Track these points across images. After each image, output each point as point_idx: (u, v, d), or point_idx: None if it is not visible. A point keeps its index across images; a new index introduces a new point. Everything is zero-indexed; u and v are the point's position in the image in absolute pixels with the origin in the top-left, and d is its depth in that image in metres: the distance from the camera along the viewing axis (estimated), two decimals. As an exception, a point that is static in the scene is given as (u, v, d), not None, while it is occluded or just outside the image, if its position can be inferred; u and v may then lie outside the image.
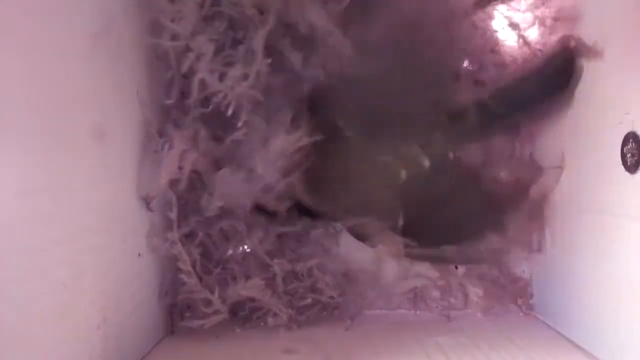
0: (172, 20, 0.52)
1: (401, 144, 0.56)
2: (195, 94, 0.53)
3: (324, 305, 0.59)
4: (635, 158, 0.42)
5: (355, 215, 0.56)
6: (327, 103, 0.55)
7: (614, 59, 0.46)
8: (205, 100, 0.54)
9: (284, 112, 0.53)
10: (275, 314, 0.57)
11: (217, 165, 0.54)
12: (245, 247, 0.58)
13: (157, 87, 0.54)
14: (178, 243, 0.54)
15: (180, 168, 0.52)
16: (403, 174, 0.56)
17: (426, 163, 0.55)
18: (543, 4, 0.56)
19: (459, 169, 0.58)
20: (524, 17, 0.56)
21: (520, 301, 0.61)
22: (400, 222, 0.55)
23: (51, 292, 0.36)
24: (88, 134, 0.41)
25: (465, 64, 0.59)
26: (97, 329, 0.42)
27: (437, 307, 0.61)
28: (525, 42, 0.56)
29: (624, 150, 0.43)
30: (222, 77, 0.52)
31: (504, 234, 0.55)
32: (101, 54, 0.43)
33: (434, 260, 0.59)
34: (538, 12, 0.56)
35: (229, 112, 0.52)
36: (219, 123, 0.55)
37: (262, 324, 0.57)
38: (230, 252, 0.58)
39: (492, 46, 0.58)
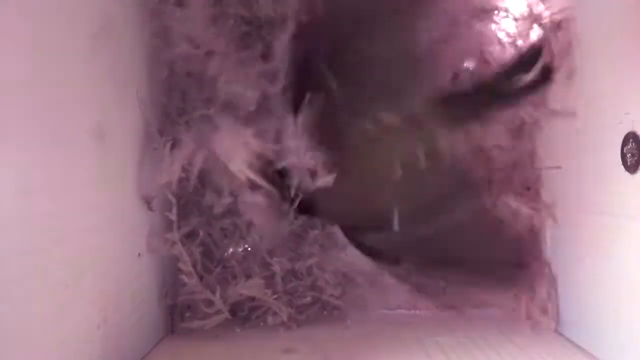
0: (191, 26, 0.52)
1: (383, 111, 0.56)
2: (222, 95, 0.54)
3: (323, 304, 0.59)
4: (635, 158, 0.42)
5: (349, 214, 0.56)
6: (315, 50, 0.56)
7: (613, 59, 0.46)
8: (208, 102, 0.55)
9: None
10: (275, 313, 0.57)
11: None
12: (246, 245, 0.59)
13: (157, 87, 0.54)
14: (179, 243, 0.54)
15: (185, 168, 0.53)
16: (398, 169, 0.56)
17: (422, 157, 0.55)
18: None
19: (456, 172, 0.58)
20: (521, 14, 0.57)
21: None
22: (396, 226, 0.55)
23: (51, 292, 0.36)
24: (88, 134, 0.41)
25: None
26: (97, 329, 0.42)
27: (437, 306, 0.61)
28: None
29: (624, 150, 0.43)
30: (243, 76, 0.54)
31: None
32: (101, 54, 0.43)
33: (420, 289, 0.60)
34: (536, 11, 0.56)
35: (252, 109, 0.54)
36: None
37: (261, 323, 0.57)
38: (231, 250, 0.58)
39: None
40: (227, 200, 0.55)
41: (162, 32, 0.53)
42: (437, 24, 0.58)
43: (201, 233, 0.56)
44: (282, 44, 0.54)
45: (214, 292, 0.55)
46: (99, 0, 0.44)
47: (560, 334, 0.54)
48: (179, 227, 0.54)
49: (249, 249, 0.58)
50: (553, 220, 0.56)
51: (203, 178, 0.56)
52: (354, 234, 0.57)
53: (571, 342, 0.52)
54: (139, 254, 0.51)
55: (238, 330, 0.57)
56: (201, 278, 0.55)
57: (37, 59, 0.35)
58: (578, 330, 0.52)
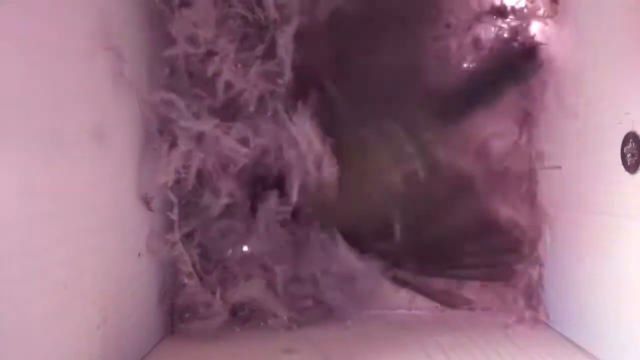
0: (194, 26, 0.52)
1: (382, 119, 0.56)
2: (220, 94, 0.54)
3: (324, 306, 0.59)
4: (635, 158, 0.42)
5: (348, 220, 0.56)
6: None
7: (613, 59, 0.46)
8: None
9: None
10: (275, 316, 0.56)
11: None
12: (245, 248, 0.58)
13: (157, 87, 0.54)
14: (179, 244, 0.54)
15: (185, 167, 0.53)
16: (398, 178, 0.56)
17: (420, 170, 0.56)
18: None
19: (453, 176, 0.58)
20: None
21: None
22: (397, 233, 0.55)
23: (51, 292, 0.36)
24: (88, 134, 0.41)
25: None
26: (97, 329, 0.42)
27: (437, 306, 0.61)
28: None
29: (624, 150, 0.43)
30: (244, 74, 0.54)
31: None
32: (101, 54, 0.43)
33: (420, 291, 0.60)
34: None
35: (252, 108, 0.54)
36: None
37: (262, 323, 0.57)
38: (230, 252, 0.58)
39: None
40: (224, 200, 0.55)
41: (163, 31, 0.53)
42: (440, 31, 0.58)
43: (198, 234, 0.56)
44: (285, 43, 0.54)
45: (214, 294, 0.55)
46: (99, 0, 0.44)
47: (560, 334, 0.54)
48: (179, 227, 0.54)
49: (249, 250, 0.58)
50: (552, 220, 0.56)
51: (201, 178, 0.56)
52: (353, 241, 0.57)
53: (571, 342, 0.52)
54: (139, 254, 0.51)
55: (238, 330, 0.57)
56: (201, 279, 0.55)
57: (37, 59, 0.35)
58: (578, 330, 0.52)
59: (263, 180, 0.57)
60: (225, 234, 0.58)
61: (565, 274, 0.54)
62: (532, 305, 0.59)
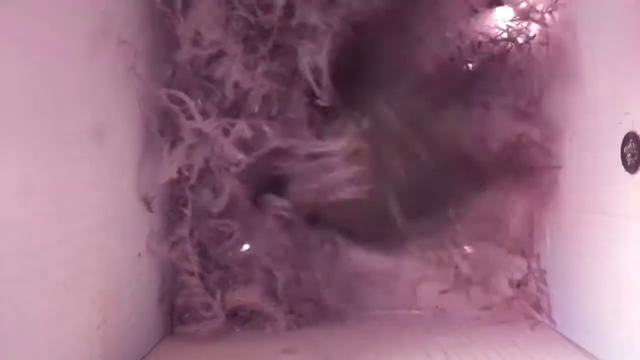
0: (199, 27, 0.53)
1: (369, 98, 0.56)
2: (230, 96, 0.54)
3: (324, 308, 0.59)
4: (635, 158, 0.42)
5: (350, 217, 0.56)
6: None
7: (613, 59, 0.46)
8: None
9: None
10: (274, 320, 0.56)
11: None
12: (245, 247, 0.58)
13: (159, 87, 0.54)
14: (182, 243, 0.54)
15: (187, 166, 0.53)
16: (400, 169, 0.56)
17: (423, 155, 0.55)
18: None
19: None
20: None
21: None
22: (400, 222, 0.55)
23: (51, 292, 0.36)
24: (88, 134, 0.41)
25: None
26: (97, 329, 0.42)
27: (437, 307, 0.61)
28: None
29: (624, 150, 0.43)
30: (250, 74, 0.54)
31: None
32: (101, 54, 0.43)
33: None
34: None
35: (256, 108, 0.55)
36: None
37: (262, 324, 0.57)
38: (230, 254, 0.58)
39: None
40: (224, 199, 0.55)
41: (165, 32, 0.53)
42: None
43: (197, 234, 0.56)
44: (314, 61, 0.54)
45: (214, 296, 0.55)
46: (99, 0, 0.44)
47: (560, 334, 0.54)
48: (179, 227, 0.54)
49: (249, 250, 0.58)
50: (552, 220, 0.56)
51: (203, 177, 0.56)
52: (355, 238, 0.57)
53: (571, 342, 0.52)
54: (139, 254, 0.51)
55: (238, 330, 0.57)
56: (202, 279, 0.55)
57: (37, 59, 0.35)
58: (578, 330, 0.52)
59: (268, 180, 0.57)
60: (225, 233, 0.58)
61: (565, 274, 0.54)
62: (532, 306, 0.59)
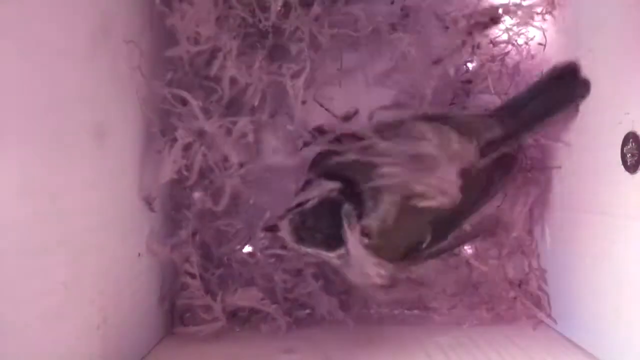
0: (197, 24, 0.53)
1: None
2: (227, 92, 0.55)
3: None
4: (635, 158, 0.42)
5: None
6: None
7: (613, 59, 0.46)
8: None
9: None
10: (274, 319, 0.56)
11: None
12: (247, 247, 0.58)
13: (159, 87, 0.54)
14: (182, 245, 0.54)
15: (187, 166, 0.53)
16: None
17: None
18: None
19: None
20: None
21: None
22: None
23: (51, 292, 0.36)
24: (88, 134, 0.41)
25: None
26: (97, 329, 0.42)
27: (437, 307, 0.61)
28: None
29: (624, 150, 0.43)
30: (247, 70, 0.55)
31: None
32: (101, 54, 0.43)
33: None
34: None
35: (256, 102, 0.56)
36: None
37: (261, 324, 0.57)
38: (231, 254, 0.58)
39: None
40: (225, 199, 0.55)
41: (165, 31, 0.54)
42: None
43: (199, 234, 0.56)
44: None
45: (214, 297, 0.55)
46: (98, 0, 0.44)
47: (560, 334, 0.54)
48: (180, 228, 0.54)
49: (250, 250, 0.58)
50: (552, 220, 0.56)
51: (203, 176, 0.56)
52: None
53: (571, 342, 0.52)
54: (139, 254, 0.51)
55: (238, 330, 0.57)
56: (202, 278, 0.55)
57: (37, 59, 0.35)
58: (578, 330, 0.51)
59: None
60: (227, 233, 0.58)
61: (565, 274, 0.54)
62: (532, 305, 0.59)
